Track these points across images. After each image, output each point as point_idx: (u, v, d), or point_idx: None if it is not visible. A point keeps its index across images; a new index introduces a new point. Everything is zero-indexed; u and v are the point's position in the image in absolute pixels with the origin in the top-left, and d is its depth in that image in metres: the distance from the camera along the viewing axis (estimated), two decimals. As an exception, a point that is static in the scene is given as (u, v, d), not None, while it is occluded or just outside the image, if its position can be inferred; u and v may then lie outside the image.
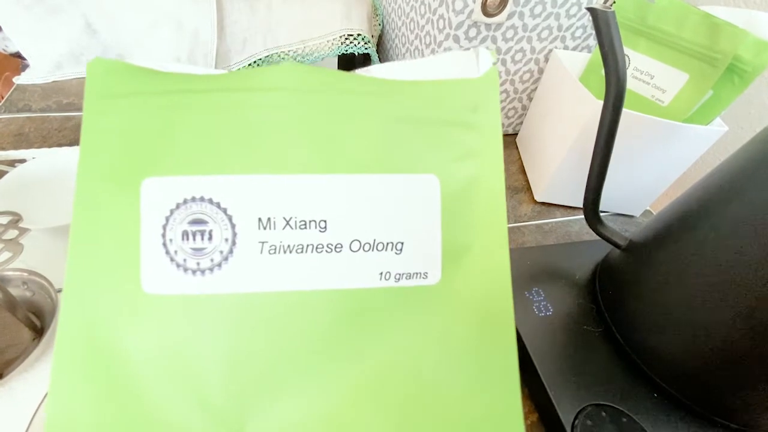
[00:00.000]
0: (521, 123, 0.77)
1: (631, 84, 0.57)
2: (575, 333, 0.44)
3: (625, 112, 0.51)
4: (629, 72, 0.58)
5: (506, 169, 0.71)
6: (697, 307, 0.35)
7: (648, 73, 0.55)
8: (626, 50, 0.58)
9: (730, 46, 0.46)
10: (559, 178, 0.62)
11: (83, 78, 0.81)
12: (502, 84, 0.68)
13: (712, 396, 0.36)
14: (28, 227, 0.32)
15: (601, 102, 0.50)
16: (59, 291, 0.42)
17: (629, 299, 0.42)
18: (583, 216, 0.65)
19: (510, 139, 0.78)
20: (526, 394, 0.43)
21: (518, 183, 0.69)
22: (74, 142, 0.64)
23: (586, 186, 0.46)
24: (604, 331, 0.44)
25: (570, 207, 0.66)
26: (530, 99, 0.72)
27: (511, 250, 0.52)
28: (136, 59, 0.26)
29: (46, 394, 0.30)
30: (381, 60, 0.90)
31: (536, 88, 0.70)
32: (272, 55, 0.77)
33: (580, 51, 0.67)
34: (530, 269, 0.50)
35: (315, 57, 0.77)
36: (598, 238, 0.49)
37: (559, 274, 0.49)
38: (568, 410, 0.38)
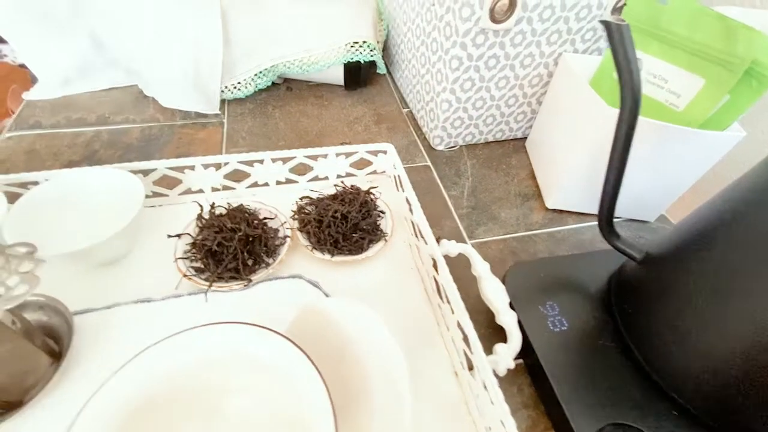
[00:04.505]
0: (530, 127, 0.76)
1: (644, 88, 0.56)
2: (591, 349, 0.43)
3: (640, 119, 0.50)
4: (642, 76, 0.56)
5: (516, 175, 0.70)
6: (719, 326, 0.34)
7: (662, 77, 0.54)
8: (638, 53, 0.57)
9: (748, 50, 0.45)
10: (571, 184, 0.61)
11: (92, 92, 0.83)
12: (510, 89, 0.67)
13: (735, 417, 0.35)
14: (43, 259, 0.33)
15: (614, 109, 0.49)
16: (75, 314, 0.42)
17: (647, 315, 0.41)
18: (595, 223, 0.64)
19: (519, 144, 0.77)
20: (542, 411, 0.42)
21: (529, 189, 0.68)
22: (84, 158, 0.65)
23: (601, 199, 0.45)
24: (622, 346, 0.43)
25: (582, 214, 0.65)
26: (539, 103, 0.71)
27: (526, 262, 0.52)
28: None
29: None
30: (387, 66, 0.90)
31: (545, 92, 0.69)
32: (278, 65, 0.76)
33: (590, 54, 0.66)
34: (544, 282, 0.49)
35: (321, 65, 0.76)
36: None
37: (573, 287, 0.49)
38: (585, 429, 0.37)
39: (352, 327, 0.35)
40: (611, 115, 0.51)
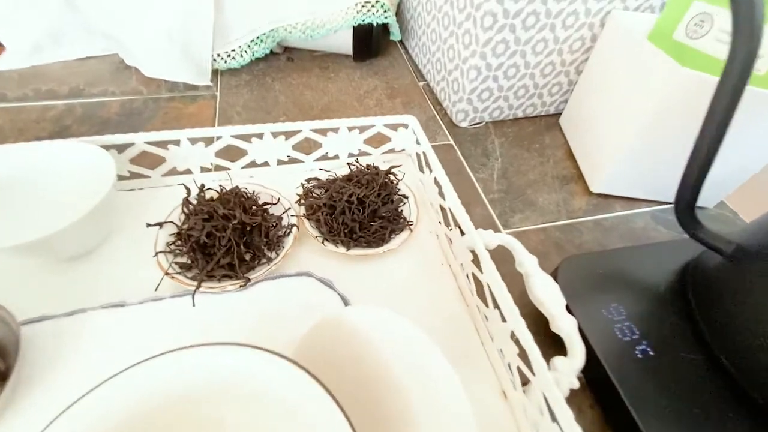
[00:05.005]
0: (565, 101, 0.66)
1: (715, 47, 0.47)
2: (671, 362, 0.35)
3: (707, 80, 0.41)
4: (712, 35, 0.47)
5: (552, 155, 0.61)
6: None
7: (741, 33, 0.45)
8: (708, 7, 0.47)
9: None
10: (620, 165, 0.52)
11: (65, 62, 0.73)
12: (548, 55, 0.58)
13: None
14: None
15: (687, 70, 0.40)
16: (26, 323, 0.33)
17: (742, 321, 0.33)
18: (647, 209, 0.56)
19: (552, 121, 0.68)
20: (612, 440, 0.34)
21: (567, 171, 0.59)
22: (54, 134, 0.56)
23: (682, 181, 0.36)
24: (707, 358, 0.35)
25: (630, 199, 0.56)
26: (578, 72, 0.62)
27: (579, 256, 0.43)
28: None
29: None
30: (402, 32, 0.80)
31: (587, 59, 0.60)
32: (277, 29, 0.67)
33: (643, 11, 0.57)
34: (603, 280, 0.41)
35: (327, 29, 0.67)
36: (673, 236, 0.40)
37: (638, 285, 0.40)
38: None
39: (385, 345, 0.27)
40: (684, 78, 0.42)
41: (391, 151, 0.53)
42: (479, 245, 0.36)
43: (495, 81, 0.59)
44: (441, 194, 0.43)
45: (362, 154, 0.52)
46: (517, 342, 0.32)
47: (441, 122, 0.65)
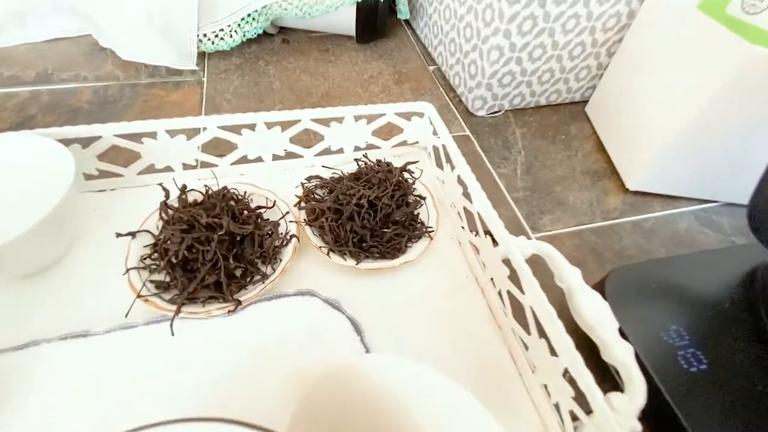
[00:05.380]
0: (593, 87, 0.60)
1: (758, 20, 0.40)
2: (748, 398, 0.29)
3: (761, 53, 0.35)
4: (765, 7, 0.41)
5: (579, 148, 0.55)
6: None
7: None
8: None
9: None
10: (667, 159, 0.45)
11: (31, 43, 0.65)
12: (578, 33, 0.51)
13: None
14: None
15: (758, 48, 0.34)
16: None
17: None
18: (688, 209, 0.50)
19: (577, 109, 0.61)
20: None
21: (598, 166, 0.53)
22: (16, 125, 0.48)
23: (763, 179, 0.30)
24: (791, 393, 0.29)
25: (669, 197, 0.50)
26: (609, 55, 0.55)
27: (628, 268, 0.36)
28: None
29: None
30: (411, 10, 0.72)
31: (621, 39, 0.53)
32: (271, 6, 0.59)
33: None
34: (657, 295, 0.35)
35: (327, 6, 0.59)
36: (721, 240, 0.34)
37: (700, 303, 0.34)
38: None
39: (418, 410, 0.21)
40: (754, 55, 0.35)
41: (403, 143, 0.46)
42: (518, 259, 0.30)
43: (518, 64, 0.52)
44: (466, 195, 0.36)
45: (370, 147, 0.45)
46: (570, 380, 0.26)
47: (455, 111, 0.58)
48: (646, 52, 0.48)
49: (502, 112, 0.59)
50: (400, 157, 0.47)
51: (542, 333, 0.28)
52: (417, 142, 0.47)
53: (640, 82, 0.49)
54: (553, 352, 0.27)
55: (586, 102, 0.61)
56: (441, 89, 0.62)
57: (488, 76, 0.52)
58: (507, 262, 0.32)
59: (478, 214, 0.34)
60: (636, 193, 0.50)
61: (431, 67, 0.66)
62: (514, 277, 0.31)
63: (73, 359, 0.28)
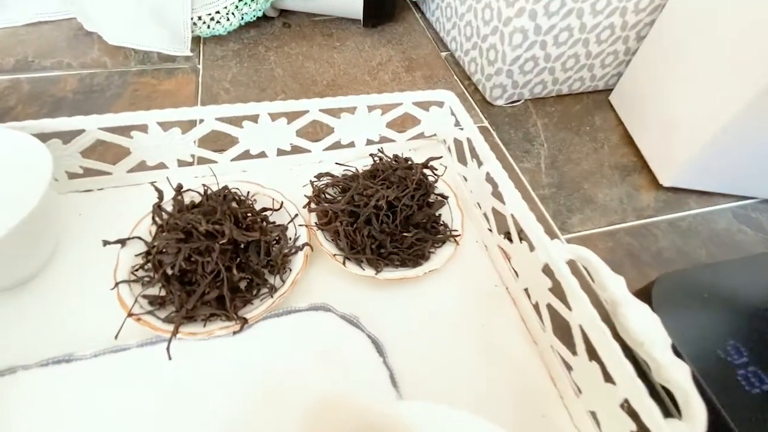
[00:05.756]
0: (618, 75, 0.56)
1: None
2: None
3: None
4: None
5: (605, 140, 0.51)
6: None
7: None
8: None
9: None
10: (707, 153, 0.42)
11: (10, 28, 0.60)
12: (609, 15, 0.47)
13: None
14: None
15: None
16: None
17: None
18: (725, 206, 0.46)
19: (600, 98, 0.57)
20: None
21: (627, 159, 0.49)
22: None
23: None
24: None
25: (704, 192, 0.47)
26: (639, 38, 0.51)
27: (674, 275, 0.32)
28: None
29: None
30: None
31: (653, 21, 0.49)
32: (271, -15, 0.55)
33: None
34: (709, 307, 0.31)
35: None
36: (763, 239, 0.30)
37: (756, 313, 0.31)
38: None
39: None
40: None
41: (420, 136, 0.42)
42: (563, 270, 0.26)
43: (542, 48, 0.48)
44: (497, 194, 0.32)
45: (384, 140, 0.41)
46: (630, 411, 0.23)
47: (472, 100, 0.54)
48: (683, 36, 0.44)
49: (522, 101, 0.55)
50: (415, 151, 0.43)
51: (593, 355, 0.25)
52: (434, 135, 0.43)
53: (676, 69, 0.45)
54: (607, 378, 0.24)
55: (610, 90, 0.57)
56: (455, 77, 0.57)
57: (509, 61, 0.48)
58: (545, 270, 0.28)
59: (512, 216, 0.31)
60: (669, 189, 0.46)
61: (443, 54, 0.61)
62: (554, 288, 0.27)
63: (56, 388, 0.25)
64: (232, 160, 0.38)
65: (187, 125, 0.35)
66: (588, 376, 0.25)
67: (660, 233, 0.42)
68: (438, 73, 0.58)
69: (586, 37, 0.48)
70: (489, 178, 0.33)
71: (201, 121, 0.35)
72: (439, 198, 0.35)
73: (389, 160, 0.35)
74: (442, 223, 0.34)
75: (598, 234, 0.41)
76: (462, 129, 0.37)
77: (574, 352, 0.26)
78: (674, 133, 0.45)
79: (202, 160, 0.38)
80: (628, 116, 0.53)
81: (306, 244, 0.30)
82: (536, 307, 0.30)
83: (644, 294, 0.33)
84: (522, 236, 0.30)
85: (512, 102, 0.54)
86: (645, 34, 0.51)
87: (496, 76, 0.50)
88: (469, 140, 0.36)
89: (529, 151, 0.49)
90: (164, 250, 0.26)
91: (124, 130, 0.33)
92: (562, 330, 0.28)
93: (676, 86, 0.45)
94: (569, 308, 0.26)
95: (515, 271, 0.32)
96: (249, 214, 0.30)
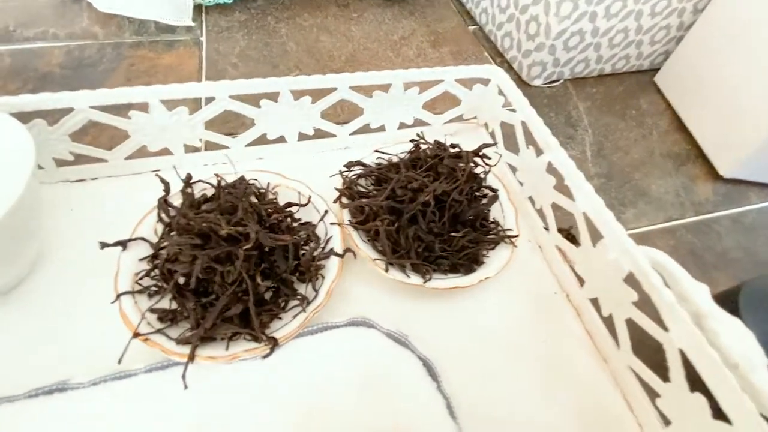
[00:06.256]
0: (666, 53, 0.51)
1: None
2: None
3: None
4: None
5: (654, 125, 0.47)
6: None
7: None
8: None
9: None
10: (778, 140, 0.37)
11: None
12: (668, -17, 0.41)
13: None
14: None
15: None
16: None
17: None
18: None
19: (645, 79, 0.52)
20: None
21: (680, 148, 0.45)
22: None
23: None
24: None
25: (764, 184, 0.42)
26: (696, 12, 0.46)
27: (756, 281, 0.28)
28: None
29: None
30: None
31: (713, -9, 0.44)
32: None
33: None
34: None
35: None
36: None
37: None
38: None
39: None
40: None
41: (458, 119, 0.37)
42: (654, 280, 0.22)
43: (592, 20, 0.43)
44: (563, 189, 0.28)
45: (418, 123, 0.36)
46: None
47: (506, 80, 0.49)
48: (748, 8, 0.39)
49: (561, 81, 0.49)
50: (452, 136, 0.38)
51: (696, 382, 0.21)
52: (474, 118, 0.38)
53: (738, 46, 0.40)
54: (717, 413, 0.20)
55: (655, 71, 0.52)
56: (486, 53, 0.52)
57: (554, 35, 0.43)
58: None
59: (584, 215, 0.26)
60: (729, 180, 0.42)
61: (471, 27, 0.56)
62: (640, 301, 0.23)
63: (47, 424, 0.20)
64: (246, 145, 0.33)
65: (193, 106, 0.30)
66: (684, 407, 0.21)
67: (722, 230, 0.38)
68: (467, 48, 0.52)
69: (640, 8, 0.43)
70: (551, 169, 0.29)
71: (211, 99, 0.29)
72: (491, 192, 0.30)
73: (432, 147, 0.31)
74: (492, 220, 0.30)
75: (656, 231, 0.37)
76: (512, 110, 0.32)
77: (666, 378, 0.22)
78: (736, 119, 0.40)
79: (210, 146, 0.33)
80: (679, 99, 0.48)
81: (347, 249, 0.25)
82: (608, 320, 0.26)
83: (722, 302, 0.29)
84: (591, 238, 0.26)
85: (550, 82, 0.49)
86: (703, 6, 0.45)
87: (536, 52, 0.45)
88: (524, 124, 0.31)
89: (573, 137, 0.44)
90: (176, 257, 0.21)
91: (121, 110, 0.28)
92: (639, 347, 0.24)
93: (738, 66, 0.40)
94: (664, 328, 0.22)
95: (579, 277, 0.28)
96: (274, 212, 0.25)
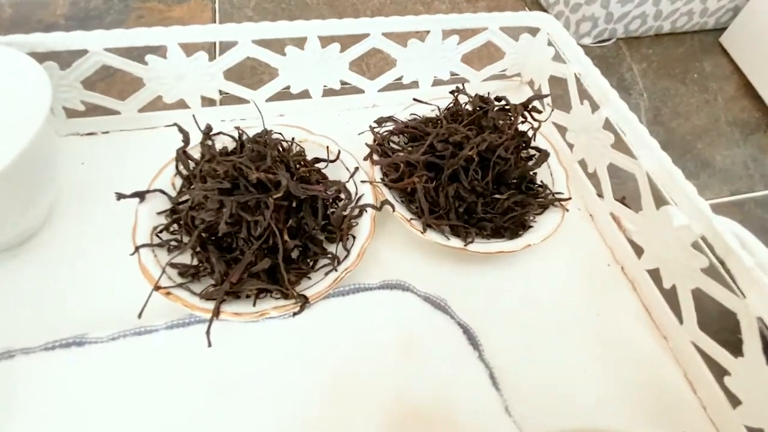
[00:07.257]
0: (734, 10, 0.49)
1: None
2: None
3: None
4: None
5: (720, 90, 0.45)
6: None
7: None
8: None
9: None
10: None
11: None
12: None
13: None
14: None
15: None
16: None
17: None
18: None
19: (709, 40, 0.50)
20: None
21: (748, 115, 0.43)
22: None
23: None
24: None
25: None
26: (771, -40, 0.44)
27: None
28: None
29: None
30: None
31: (795, -66, 0.42)
32: None
33: None
34: None
35: None
36: None
37: None
38: None
39: None
40: None
41: (501, 75, 0.37)
42: (731, 242, 0.21)
43: (652, -32, 0.41)
44: (622, 148, 0.27)
45: (454, 79, 0.36)
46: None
47: (550, 38, 0.48)
48: None
49: (613, 40, 0.48)
50: (491, 94, 0.37)
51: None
52: (518, 75, 0.38)
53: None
54: (799, 391, 0.19)
55: (721, 30, 0.50)
56: (526, 7, 0.51)
57: (608, -14, 0.42)
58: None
59: (648, 175, 0.26)
60: (805, 152, 0.41)
61: (510, -20, 0.54)
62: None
63: (64, 378, 0.21)
64: (267, 100, 0.33)
65: (213, 51, 0.30)
66: (758, 384, 0.21)
67: (798, 206, 0.37)
68: (505, 3, 0.51)
69: (708, -46, 0.42)
70: (607, 127, 0.28)
71: (234, 42, 0.29)
72: (540, 152, 0.30)
73: (473, 99, 0.30)
74: (540, 183, 0.29)
75: (722, 205, 0.36)
76: (565, 63, 0.32)
77: (737, 353, 0.22)
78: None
79: (228, 101, 0.33)
80: (749, 62, 0.46)
81: (384, 201, 0.25)
82: (668, 293, 0.25)
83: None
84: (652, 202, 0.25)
85: (600, 41, 0.48)
86: (782, -47, 0.43)
87: (587, 5, 0.44)
88: (577, 77, 0.30)
89: (626, 101, 0.43)
90: (201, 204, 0.22)
91: (137, 54, 0.28)
92: (705, 322, 0.23)
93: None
94: (740, 294, 0.21)
95: (638, 247, 0.27)
96: (303, 165, 0.25)
